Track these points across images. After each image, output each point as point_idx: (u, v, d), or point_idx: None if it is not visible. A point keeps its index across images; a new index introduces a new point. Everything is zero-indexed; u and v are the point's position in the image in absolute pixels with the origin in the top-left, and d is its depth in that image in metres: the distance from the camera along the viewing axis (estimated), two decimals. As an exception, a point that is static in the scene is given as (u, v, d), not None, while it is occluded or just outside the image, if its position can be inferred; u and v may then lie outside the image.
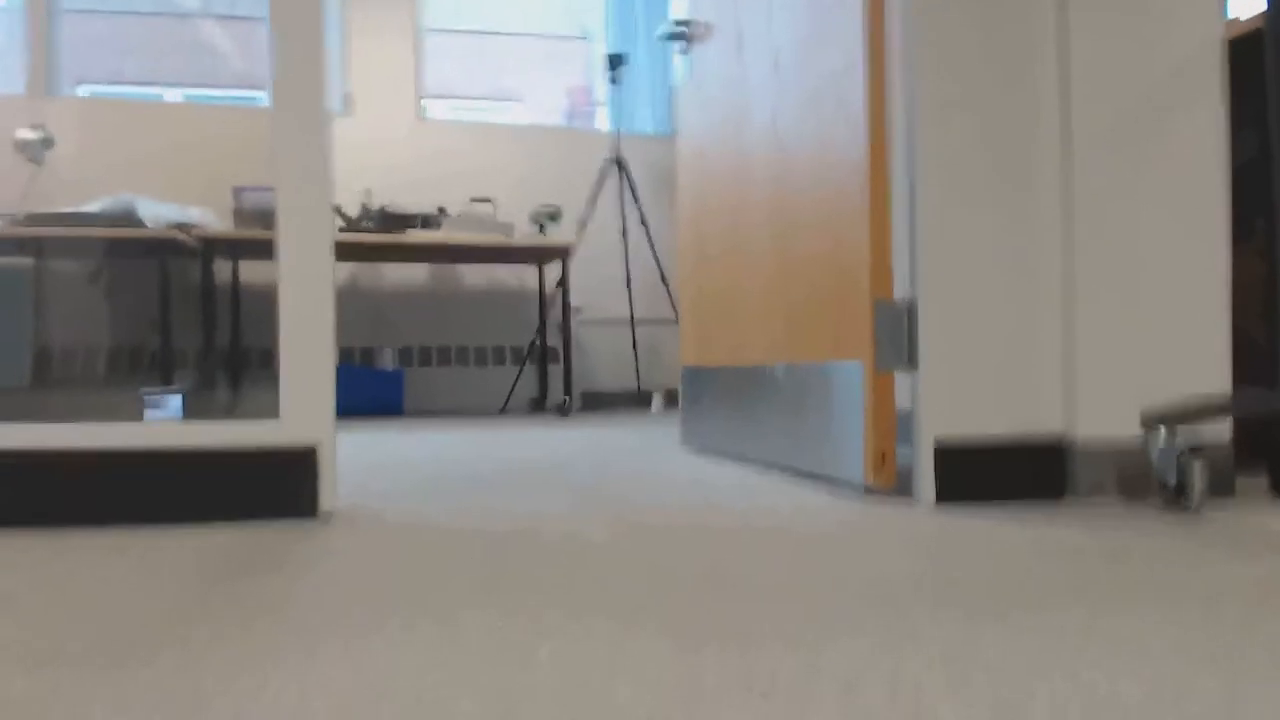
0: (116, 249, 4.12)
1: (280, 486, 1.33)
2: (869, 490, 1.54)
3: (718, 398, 2.20)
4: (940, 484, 1.43)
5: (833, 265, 1.62)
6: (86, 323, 4.34)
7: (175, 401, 2.65)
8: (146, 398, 2.66)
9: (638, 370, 4.95)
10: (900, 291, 1.50)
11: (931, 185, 1.44)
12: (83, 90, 4.86)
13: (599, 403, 5.04)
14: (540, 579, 0.97)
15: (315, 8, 1.34)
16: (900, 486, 1.51)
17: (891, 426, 1.50)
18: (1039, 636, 0.74)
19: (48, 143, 4.20)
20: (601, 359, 5.10)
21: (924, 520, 1.31)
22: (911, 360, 1.47)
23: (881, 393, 1.50)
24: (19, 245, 4.06)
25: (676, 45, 2.44)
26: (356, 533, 1.24)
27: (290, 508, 1.33)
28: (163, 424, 1.33)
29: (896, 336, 1.48)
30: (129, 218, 3.86)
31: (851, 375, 1.55)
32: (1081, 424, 1.46)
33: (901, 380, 1.51)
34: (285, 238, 1.33)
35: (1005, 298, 1.47)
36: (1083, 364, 1.46)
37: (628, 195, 4.84)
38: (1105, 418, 1.44)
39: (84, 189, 4.18)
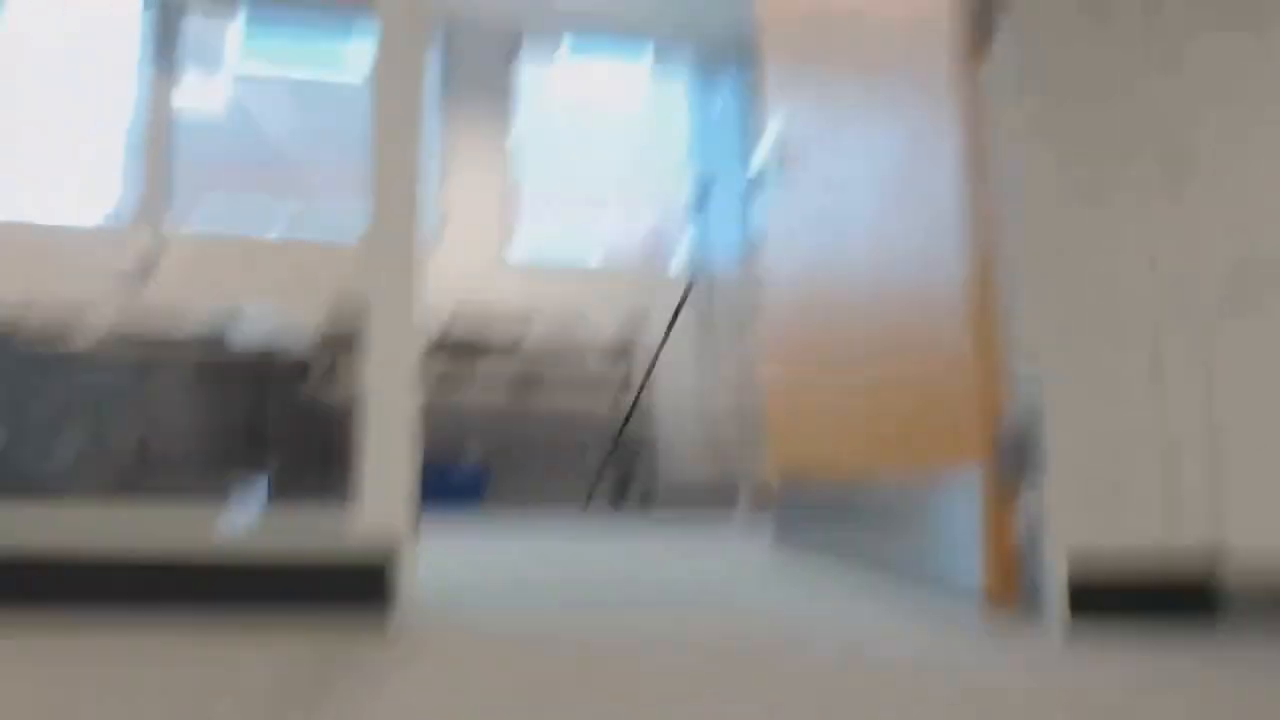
0: (211, 366, 4.29)
1: (358, 590, 1.32)
2: (989, 610, 1.44)
3: (812, 509, 2.13)
4: (1073, 604, 1.33)
5: (938, 383, 1.59)
6: (187, 432, 4.47)
7: (258, 503, 2.67)
8: (230, 502, 2.70)
9: (720, 470, 4.87)
10: (1018, 402, 1.45)
11: (1047, 292, 1.42)
12: (192, 223, 5.20)
13: (679, 500, 4.94)
14: (628, 702, 0.91)
15: (412, 159, 1.43)
16: (1023, 606, 1.41)
17: (1012, 544, 1.42)
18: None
19: (154, 266, 4.47)
20: (680, 463, 5.03)
21: (1065, 653, 1.21)
22: (1034, 475, 1.40)
23: (1001, 508, 1.43)
24: (123, 362, 4.26)
25: (768, 171, 2.52)
26: (433, 642, 1.19)
27: (367, 611, 1.31)
28: (238, 528, 1.33)
29: (1016, 450, 1.42)
30: (224, 339, 4.04)
31: (966, 490, 1.48)
32: (1234, 533, 1.36)
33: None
34: (370, 349, 1.36)
35: (1139, 400, 1.40)
36: (1232, 471, 1.38)
37: (706, 329, 4.89)
38: (1261, 526, 1.34)
39: (187, 310, 4.40)
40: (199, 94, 5.38)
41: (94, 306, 4.47)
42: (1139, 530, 1.37)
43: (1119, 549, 1.36)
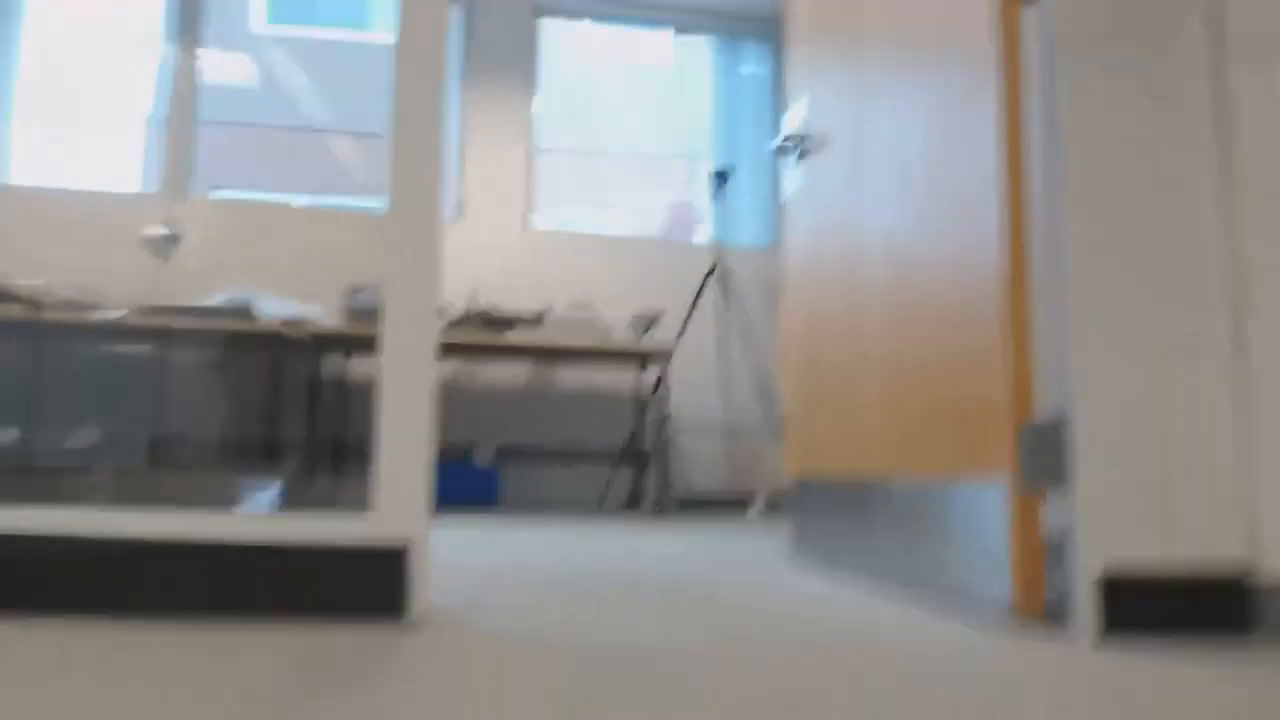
0: (233, 341, 4.31)
1: (370, 585, 1.30)
2: (1014, 622, 1.41)
3: (831, 511, 2.10)
4: (1102, 616, 1.30)
5: (966, 376, 1.55)
6: (202, 409, 4.51)
7: (273, 492, 2.68)
8: (245, 488, 2.70)
9: (738, 474, 4.85)
10: (1046, 404, 1.40)
11: (1084, 289, 1.37)
12: (215, 194, 5.21)
13: (693, 506, 4.93)
14: (647, 709, 0.89)
15: (434, 125, 1.39)
16: (1049, 616, 1.38)
17: (1039, 551, 1.39)
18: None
19: (175, 239, 4.48)
20: (697, 463, 5.02)
21: (1094, 665, 1.18)
22: (1062, 481, 1.36)
23: (1028, 515, 1.39)
24: (143, 334, 4.29)
25: (789, 157, 2.45)
26: (445, 644, 1.18)
27: (379, 608, 1.29)
28: (250, 516, 1.32)
29: (1044, 454, 1.38)
30: (246, 312, 4.05)
31: (991, 494, 1.45)
32: (1269, 546, 1.32)
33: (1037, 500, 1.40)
34: (390, 333, 1.34)
35: (1173, 409, 1.36)
36: (1267, 479, 1.33)
37: (726, 304, 4.85)
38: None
39: (209, 282, 4.42)
40: (224, 60, 5.35)
41: (120, 274, 4.50)
42: (1171, 541, 1.33)
43: (1150, 560, 1.32)
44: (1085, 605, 1.30)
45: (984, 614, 1.49)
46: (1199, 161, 1.40)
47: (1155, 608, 1.31)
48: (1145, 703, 0.95)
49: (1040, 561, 1.38)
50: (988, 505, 1.45)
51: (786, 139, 2.41)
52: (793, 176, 2.46)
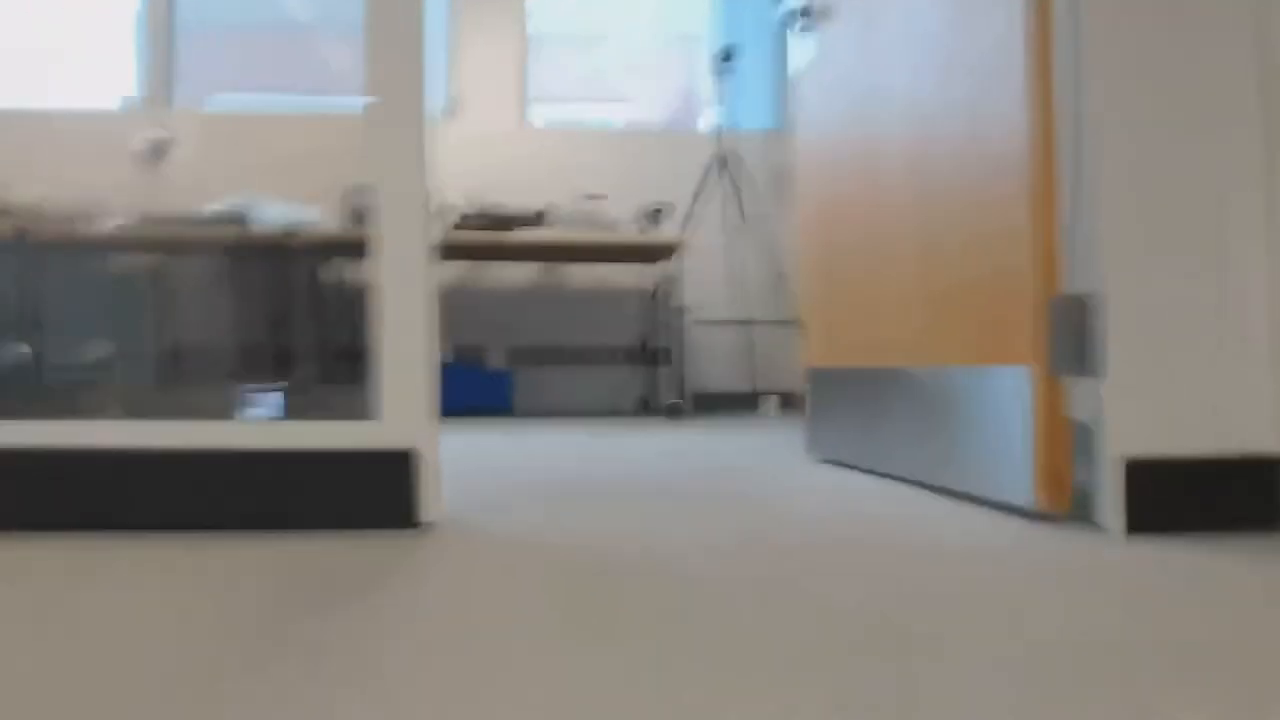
0: (232, 250, 4.22)
1: (376, 493, 1.24)
2: (1038, 515, 1.34)
3: (849, 402, 2.02)
4: (1130, 510, 1.22)
5: (988, 255, 1.43)
6: (205, 321, 4.46)
7: (275, 400, 2.63)
8: (246, 396, 2.66)
9: (752, 371, 4.79)
10: (1074, 282, 1.29)
11: (1117, 156, 1.24)
12: (204, 102, 5.04)
13: (709, 404, 4.88)
14: (670, 619, 0.83)
15: (414, 13, 1.26)
16: (1075, 511, 1.30)
17: (1066, 441, 1.30)
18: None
19: (166, 148, 4.35)
20: (712, 360, 4.95)
21: (1122, 555, 1.11)
22: (1090, 365, 1.26)
23: (1054, 403, 1.30)
24: (142, 246, 4.21)
25: (797, 26, 2.27)
26: (454, 549, 1.13)
27: (387, 515, 1.24)
28: (248, 424, 1.25)
29: (1070, 339, 1.28)
30: (244, 220, 3.94)
31: (1014, 382, 1.35)
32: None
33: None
34: (381, 235, 1.24)
35: (1206, 292, 1.24)
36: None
37: (735, 192, 4.68)
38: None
39: (203, 193, 4.31)
40: None
41: (113, 189, 4.38)
42: (1203, 429, 1.24)
43: (1177, 455, 1.23)
44: (1112, 495, 1.22)
45: (1008, 506, 1.42)
46: (1239, 21, 1.24)
47: (1183, 502, 1.23)
48: (1178, 590, 0.88)
49: (1066, 450, 1.30)
50: (1011, 390, 1.36)
51: (796, 4, 2.22)
52: (801, 49, 2.28)
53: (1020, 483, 1.34)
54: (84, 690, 0.68)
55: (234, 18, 5.32)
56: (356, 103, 1.31)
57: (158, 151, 4.33)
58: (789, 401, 4.77)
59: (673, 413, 4.24)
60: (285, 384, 3.78)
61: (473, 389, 4.43)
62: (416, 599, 0.96)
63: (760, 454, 2.46)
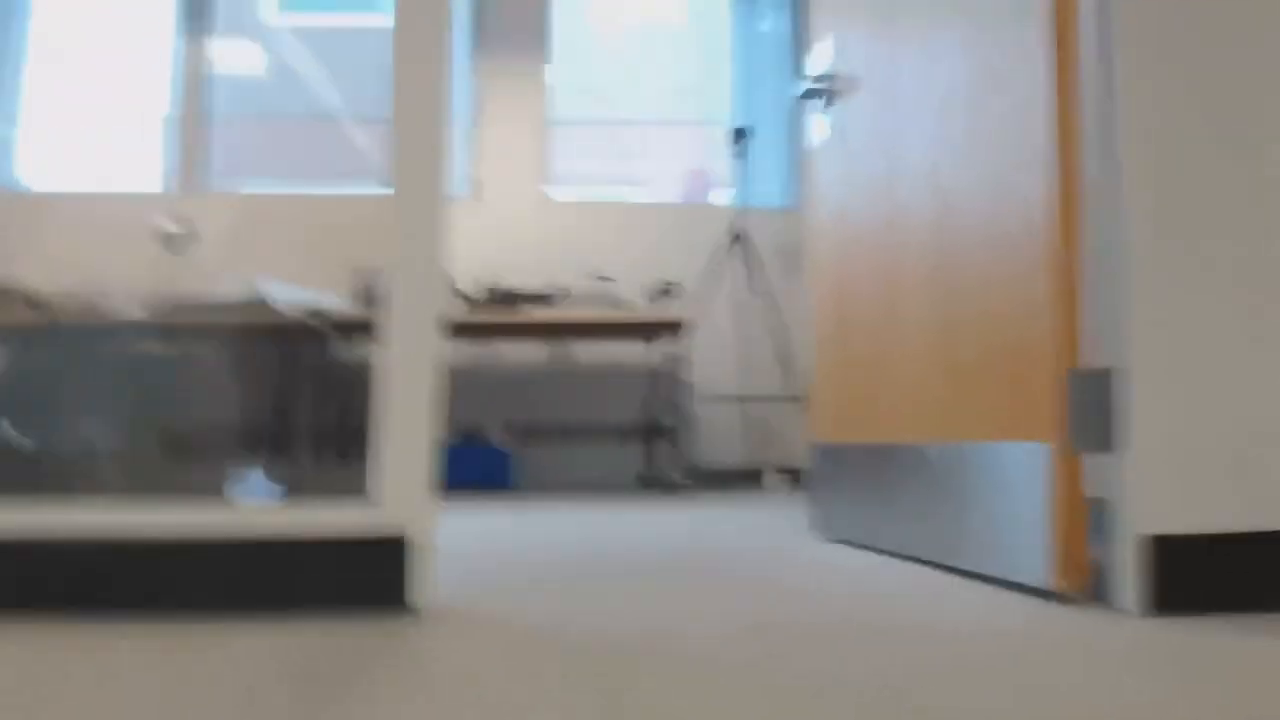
0: (241, 332, 4.25)
1: (369, 577, 1.20)
2: (1053, 595, 1.30)
3: (857, 480, 1.99)
4: (1151, 590, 1.18)
5: (1006, 329, 1.42)
6: (216, 400, 4.45)
7: (269, 485, 2.60)
8: (242, 477, 2.62)
9: (757, 448, 4.74)
10: (1096, 356, 1.28)
11: (1145, 226, 1.24)
12: (231, 188, 5.19)
13: (710, 480, 4.82)
14: (670, 708, 0.78)
15: (436, 102, 1.28)
16: (1091, 591, 1.26)
17: (1083, 519, 1.27)
18: None
19: (189, 236, 4.44)
20: (717, 436, 4.91)
21: (1140, 635, 1.06)
22: (1109, 442, 1.24)
23: (1072, 479, 1.27)
24: (162, 331, 4.25)
25: (814, 103, 2.31)
26: (449, 638, 1.07)
27: (380, 600, 1.20)
28: (239, 509, 1.22)
29: (1090, 414, 1.26)
30: (262, 304, 3.98)
31: (1030, 458, 1.33)
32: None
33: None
34: (391, 319, 1.24)
35: (1232, 370, 1.23)
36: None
37: (747, 269, 4.72)
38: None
39: (222, 275, 4.36)
40: (235, 53, 5.26)
41: (137, 275, 4.44)
42: (1226, 513, 1.20)
43: (1202, 533, 1.20)
44: (1129, 577, 1.18)
45: (1022, 586, 1.38)
46: (1274, 98, 1.26)
47: (1206, 581, 1.19)
48: (1195, 671, 0.84)
49: (1083, 528, 1.26)
50: (1027, 467, 1.33)
51: (812, 83, 2.27)
52: (818, 125, 2.32)
53: (1035, 562, 1.30)
54: None
55: (265, 106, 5.47)
56: (375, 188, 1.32)
57: (183, 236, 4.42)
58: (795, 478, 4.71)
59: (673, 489, 4.19)
60: (280, 465, 3.75)
61: (474, 466, 4.39)
62: (407, 690, 0.92)
63: (765, 532, 2.41)
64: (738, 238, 4.64)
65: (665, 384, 4.65)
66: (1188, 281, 1.23)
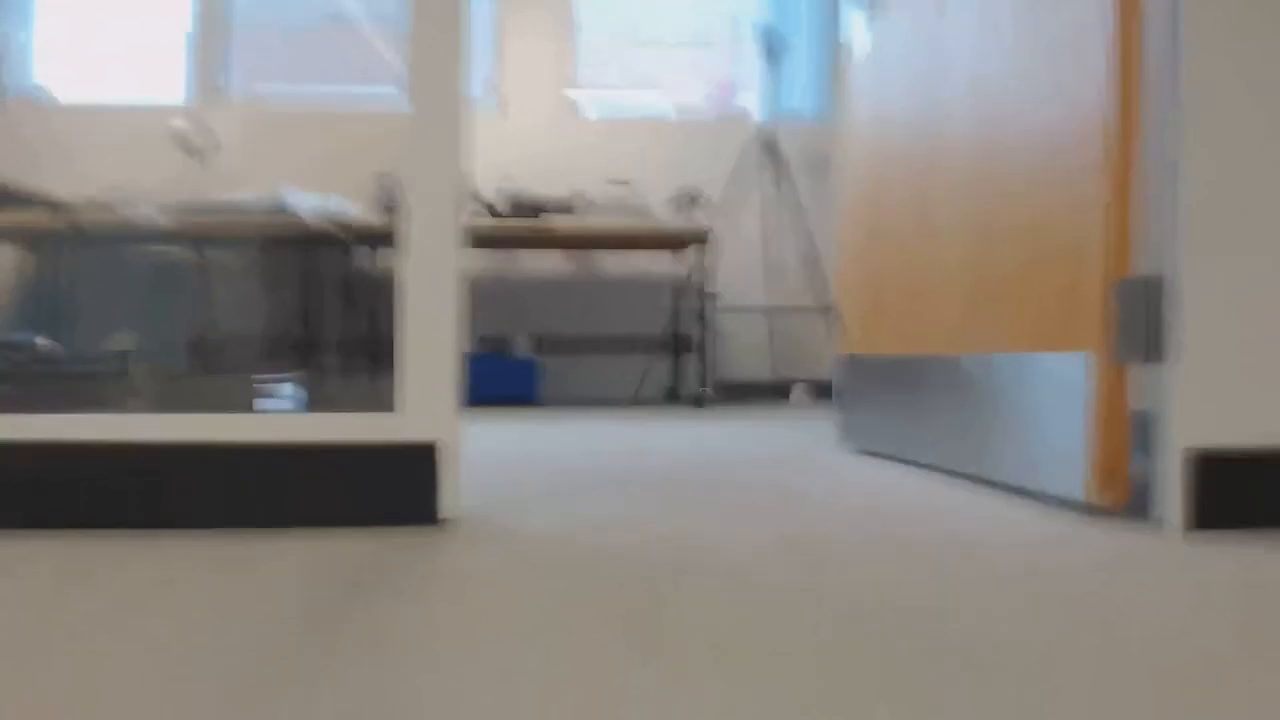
0: (268, 240, 4.23)
1: (396, 488, 1.19)
2: (1092, 510, 1.28)
3: (888, 392, 1.96)
4: (1194, 506, 1.15)
5: (1053, 235, 1.37)
6: (240, 310, 4.47)
7: (295, 391, 2.60)
8: (265, 386, 2.62)
9: (783, 359, 4.72)
10: (1143, 267, 1.23)
11: (1205, 134, 1.17)
12: (250, 96, 5.10)
13: (736, 393, 4.82)
14: (710, 625, 0.77)
15: (455, 6, 1.21)
16: (1131, 506, 1.24)
17: (1125, 432, 1.24)
18: None
19: (211, 144, 4.38)
20: (741, 348, 4.89)
21: (1184, 551, 1.05)
22: (1157, 352, 1.20)
23: (1116, 391, 1.24)
24: (181, 237, 4.23)
25: (854, 8, 2.21)
26: (477, 549, 1.07)
27: (407, 512, 1.19)
28: (260, 417, 1.21)
29: (1139, 323, 1.21)
30: (281, 210, 3.94)
31: (1071, 369, 1.29)
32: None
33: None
34: (410, 230, 1.20)
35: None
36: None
37: (775, 178, 4.61)
38: None
39: (244, 185, 4.31)
40: None
41: (154, 184, 4.40)
42: (1275, 427, 1.17)
43: (1250, 446, 1.16)
44: (1173, 493, 1.16)
45: (1061, 500, 1.36)
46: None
47: (1251, 497, 1.16)
48: (1247, 589, 0.82)
49: (1127, 441, 1.23)
50: (1068, 378, 1.30)
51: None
52: (859, 30, 2.21)
53: (1074, 476, 1.27)
54: (137, 684, 0.64)
55: (283, 13, 5.32)
56: (396, 95, 1.27)
57: (202, 143, 4.36)
58: (822, 392, 4.70)
59: (699, 403, 4.19)
60: (308, 375, 3.76)
61: (499, 378, 4.40)
62: (438, 603, 0.92)
63: (793, 446, 2.40)
64: (766, 148, 4.53)
65: (691, 296, 4.60)
66: (1244, 193, 1.17)
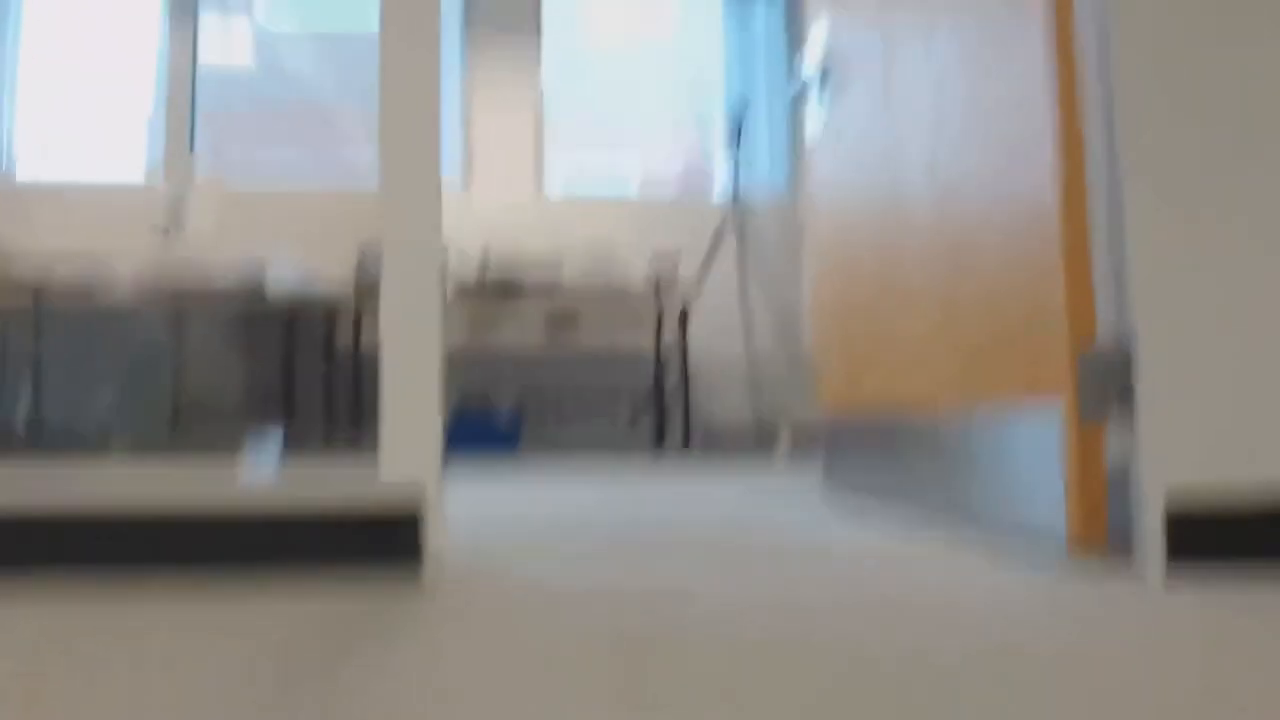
0: (250, 314, 4.27)
1: (380, 543, 1.23)
2: (1074, 560, 1.33)
3: (866, 450, 2.02)
4: (1170, 547, 1.21)
5: (1015, 308, 1.45)
6: (221, 380, 4.48)
7: (280, 457, 2.63)
8: (248, 449, 2.65)
9: (763, 411, 4.78)
10: (1109, 324, 1.31)
11: (1147, 201, 1.27)
12: (218, 178, 5.21)
13: (720, 443, 4.86)
14: (694, 686, 0.81)
15: (428, 87, 1.31)
16: (1111, 552, 1.30)
17: (1100, 482, 1.30)
18: None
19: (181, 224, 4.46)
20: (719, 403, 4.95)
21: (1166, 602, 1.10)
22: (1125, 404, 1.27)
23: (1088, 442, 1.31)
24: (163, 314, 4.27)
25: (812, 93, 2.34)
26: (462, 605, 1.10)
27: (391, 566, 1.23)
28: (249, 479, 1.25)
29: (1106, 377, 1.29)
30: (260, 288, 4.01)
31: (1046, 422, 1.36)
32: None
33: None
34: (391, 279, 1.26)
35: (1248, 320, 1.26)
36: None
37: (744, 257, 4.75)
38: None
39: (222, 261, 4.37)
40: (224, 45, 5.27)
41: (126, 261, 4.45)
42: (1242, 464, 1.24)
43: (1220, 485, 1.23)
44: (1150, 538, 1.22)
45: (1041, 552, 1.41)
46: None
47: (1228, 538, 1.22)
48: (1228, 638, 0.87)
49: (1101, 493, 1.30)
50: (1043, 434, 1.37)
51: (810, 72, 2.29)
52: (816, 115, 2.35)
53: (1053, 527, 1.33)
54: None
55: (253, 100, 5.48)
56: (368, 182, 1.34)
57: (175, 223, 4.43)
58: (799, 440, 4.75)
59: (681, 453, 4.23)
60: (293, 443, 3.77)
61: (480, 432, 4.43)
62: (433, 644, 0.95)
63: (775, 500, 2.44)
64: (731, 225, 4.68)
65: (669, 363, 4.68)
66: (1196, 245, 1.27)
